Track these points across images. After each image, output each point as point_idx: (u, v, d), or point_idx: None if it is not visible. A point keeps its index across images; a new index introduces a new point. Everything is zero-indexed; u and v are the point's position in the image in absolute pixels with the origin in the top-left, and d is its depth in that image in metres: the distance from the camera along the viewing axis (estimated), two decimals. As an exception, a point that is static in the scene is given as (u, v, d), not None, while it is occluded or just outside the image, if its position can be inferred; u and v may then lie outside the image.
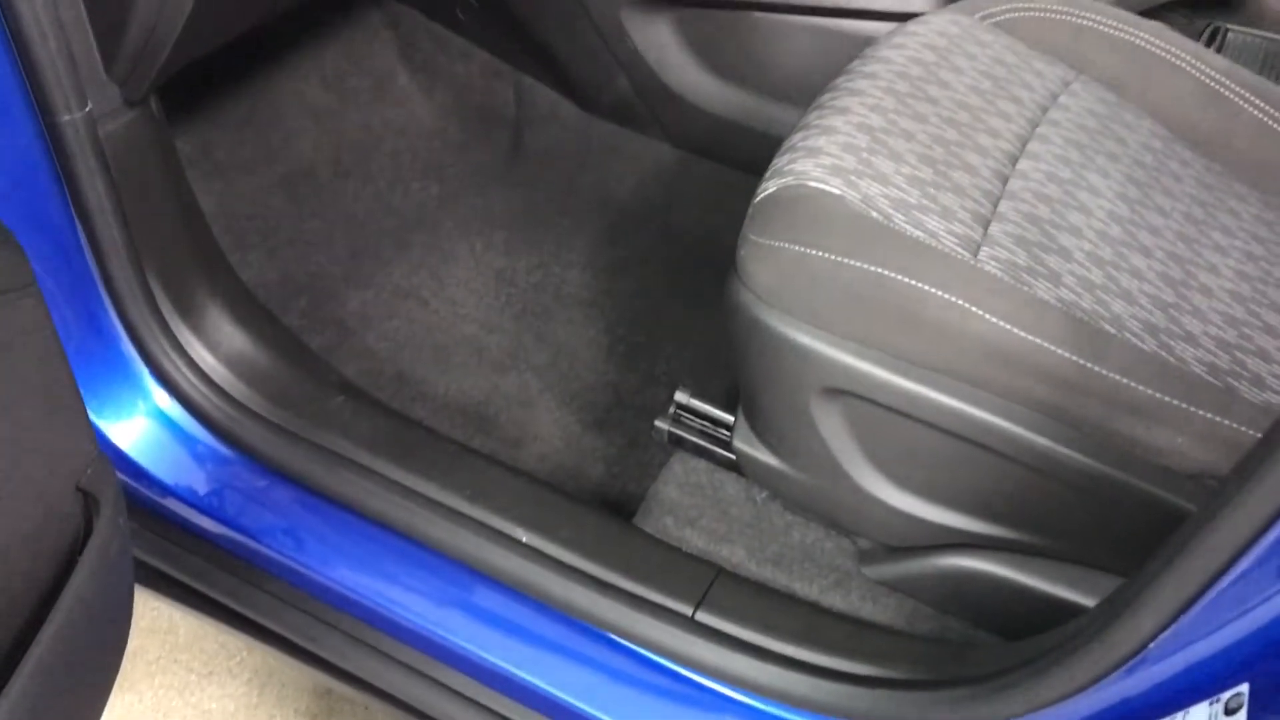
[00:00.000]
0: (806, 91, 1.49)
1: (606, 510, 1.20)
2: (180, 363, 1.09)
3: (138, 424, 1.13)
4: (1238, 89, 1.17)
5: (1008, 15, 1.22)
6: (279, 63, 1.63)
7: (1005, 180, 1.02)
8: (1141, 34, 1.21)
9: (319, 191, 1.58)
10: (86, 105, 0.94)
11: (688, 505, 1.18)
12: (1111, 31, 1.21)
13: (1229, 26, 1.35)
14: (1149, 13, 1.38)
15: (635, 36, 1.53)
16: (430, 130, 1.69)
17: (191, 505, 1.13)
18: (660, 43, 1.53)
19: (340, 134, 1.63)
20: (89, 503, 0.83)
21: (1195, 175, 1.11)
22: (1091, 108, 1.14)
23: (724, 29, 1.49)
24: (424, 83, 1.71)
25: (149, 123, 1.02)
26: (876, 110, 1.05)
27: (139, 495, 1.14)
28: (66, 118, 0.93)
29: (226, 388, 1.11)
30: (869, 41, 1.42)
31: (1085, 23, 1.22)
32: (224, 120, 1.57)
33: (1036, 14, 1.22)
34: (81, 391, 0.82)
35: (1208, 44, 1.34)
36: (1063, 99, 1.14)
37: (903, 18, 1.40)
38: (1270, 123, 1.15)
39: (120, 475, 1.00)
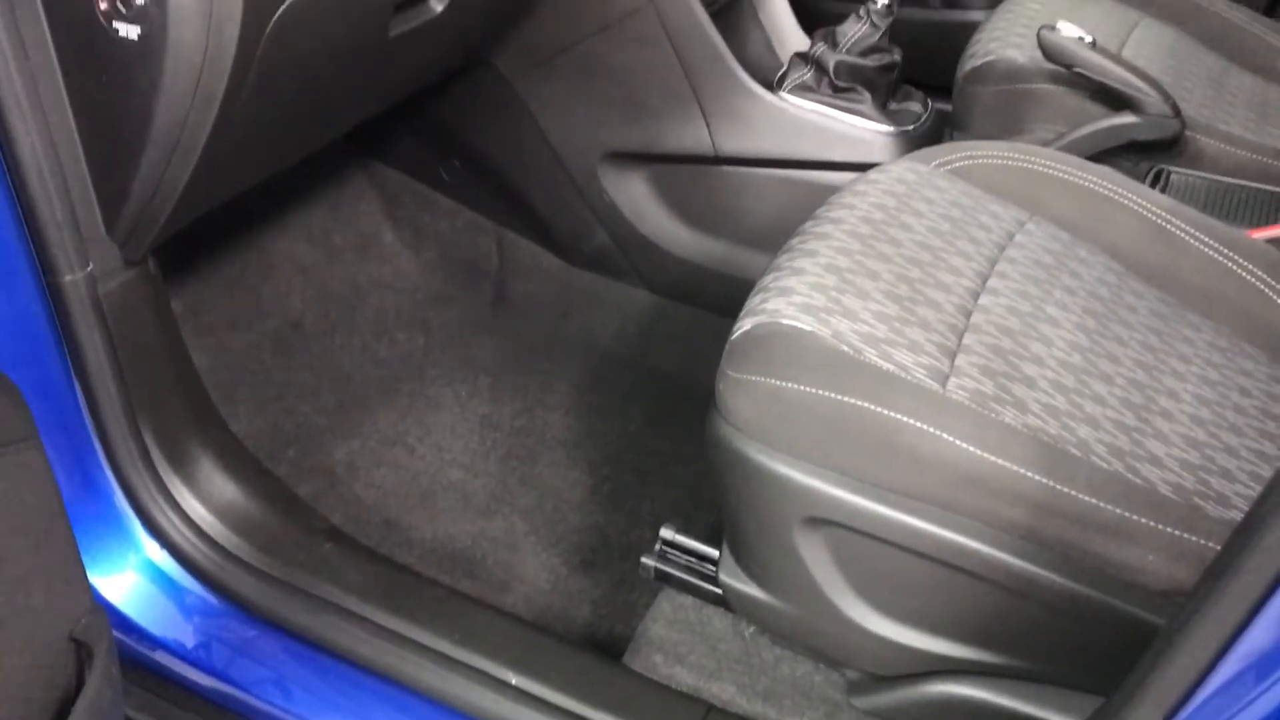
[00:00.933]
0: (776, 237, 1.56)
1: (595, 650, 1.20)
2: (172, 515, 1.11)
3: (128, 578, 1.14)
4: (1183, 225, 1.23)
5: (962, 163, 1.29)
6: (269, 222, 1.70)
7: (968, 314, 1.07)
8: (1091, 177, 1.28)
9: (307, 345, 1.63)
10: (88, 265, 0.99)
11: (676, 642, 1.19)
12: (1062, 175, 1.28)
13: (1171, 169, 1.43)
14: (1096, 157, 1.46)
15: (612, 191, 1.60)
16: (415, 284, 1.74)
17: (181, 658, 1.13)
18: (635, 196, 1.60)
19: (328, 289, 1.68)
20: (82, 654, 0.83)
21: (1149, 306, 1.16)
22: (1046, 245, 1.20)
23: (695, 182, 1.56)
24: (409, 239, 1.77)
25: (147, 282, 1.06)
26: (843, 252, 1.11)
27: (128, 648, 1.14)
28: (68, 278, 0.98)
29: (217, 538, 1.13)
30: (832, 190, 1.50)
31: (1036, 168, 1.29)
32: (216, 278, 1.62)
33: (989, 161, 1.29)
34: (75, 544, 0.83)
35: (1153, 185, 1.42)
36: (1019, 238, 1.20)
37: (863, 167, 1.48)
38: (1216, 256, 1.21)
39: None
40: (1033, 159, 1.30)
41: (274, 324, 1.63)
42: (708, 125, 1.50)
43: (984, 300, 1.09)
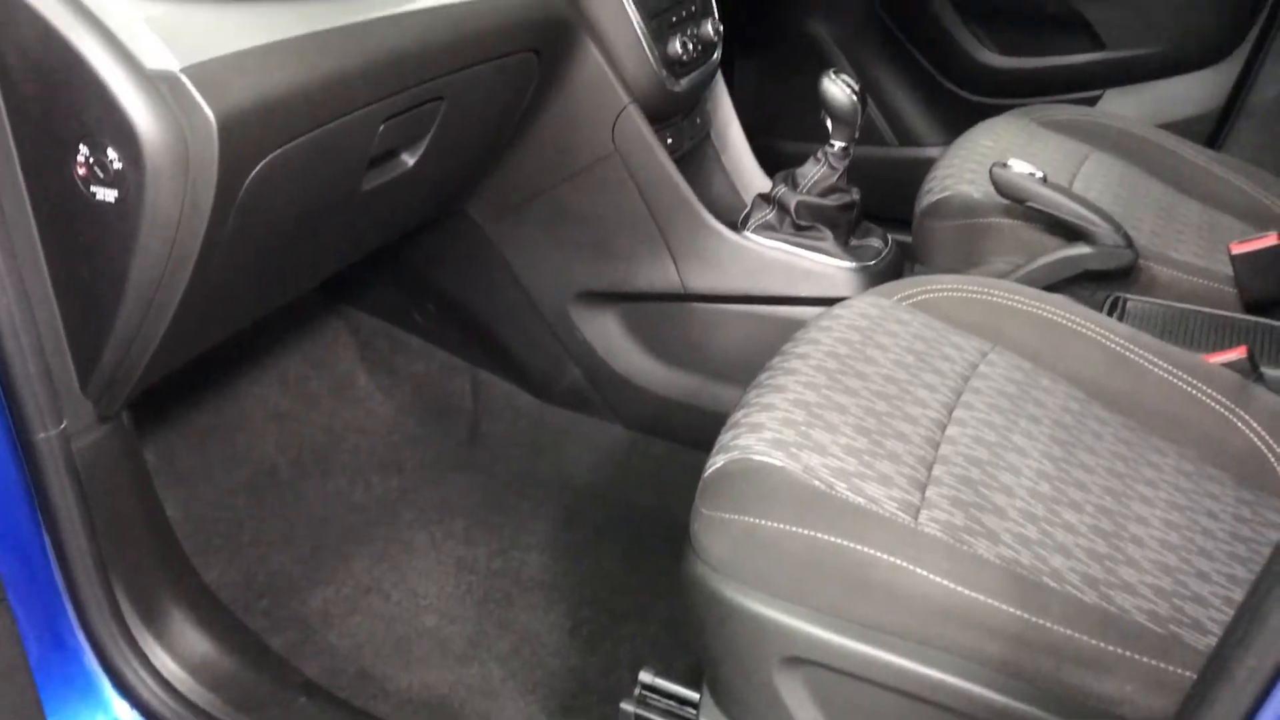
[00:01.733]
0: (746, 371, 1.58)
1: (576, 800, 1.18)
2: (143, 672, 1.09)
3: (95, 739, 1.11)
4: (1142, 352, 1.26)
5: (924, 296, 1.32)
6: (242, 370, 1.71)
7: (936, 446, 1.08)
8: (1049, 308, 1.31)
9: (281, 492, 1.62)
10: (61, 423, 0.99)
11: (659, 789, 1.17)
12: (1021, 306, 1.32)
13: (1127, 296, 1.47)
14: (1054, 287, 1.50)
15: (584, 329, 1.63)
16: (389, 426, 1.75)
17: (147, 824, 1.09)
18: (607, 333, 1.63)
19: (302, 435, 1.69)
20: (46, 822, 0.81)
21: (1113, 433, 1.18)
22: (1009, 375, 1.22)
23: (666, 319, 1.59)
24: (383, 382, 1.79)
25: (120, 436, 1.07)
26: (810, 387, 1.13)
27: (92, 815, 1.10)
28: (41, 436, 0.98)
29: (189, 695, 1.11)
30: (799, 324, 1.53)
31: (996, 299, 1.33)
32: (188, 428, 1.62)
33: (950, 294, 1.33)
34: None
35: (1109, 313, 1.46)
36: (982, 368, 1.23)
37: (828, 302, 1.51)
38: (1176, 382, 1.24)
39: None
40: (992, 291, 1.34)
41: (248, 472, 1.63)
42: (675, 264, 1.54)
43: (951, 431, 1.11)
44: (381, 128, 1.12)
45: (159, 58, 0.88)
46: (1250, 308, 1.49)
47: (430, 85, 1.16)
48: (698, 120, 1.68)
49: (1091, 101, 2.19)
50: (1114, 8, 2.10)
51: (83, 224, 0.93)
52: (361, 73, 1.05)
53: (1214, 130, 2.14)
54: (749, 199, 1.69)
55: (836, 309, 1.29)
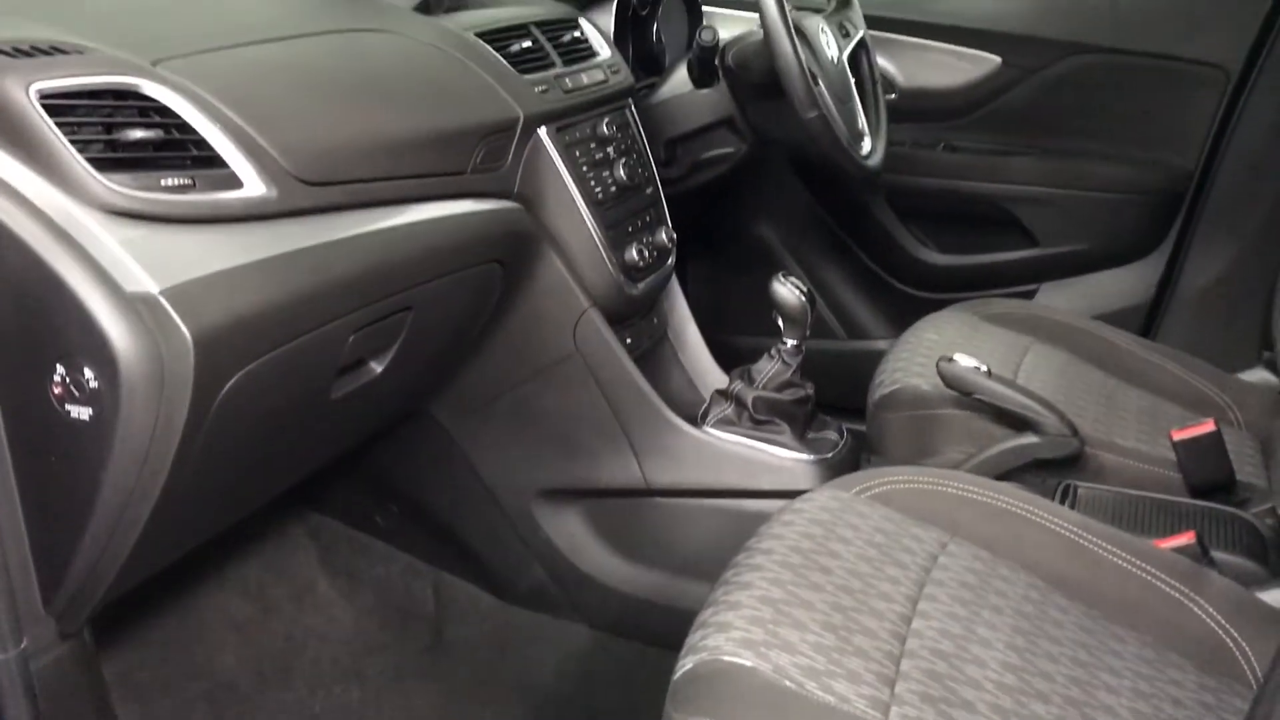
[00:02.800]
0: (710, 566, 1.59)
1: None
2: None
3: None
4: (1096, 540, 1.29)
5: (881, 489, 1.35)
6: (203, 579, 1.69)
7: (903, 640, 1.09)
8: (1003, 497, 1.35)
9: (240, 703, 1.58)
10: (21, 643, 0.98)
11: None
12: (976, 497, 1.35)
13: (1077, 483, 1.51)
14: (1005, 475, 1.54)
15: (547, 527, 1.63)
16: (351, 632, 1.72)
17: None
18: (571, 531, 1.64)
19: (262, 645, 1.66)
20: None
21: (1075, 621, 1.20)
22: (969, 566, 1.24)
23: (629, 514, 1.61)
24: (344, 588, 1.77)
25: (80, 653, 1.05)
26: (776, 583, 1.14)
27: None
28: (1, 657, 0.96)
29: None
30: (761, 517, 1.54)
31: (950, 490, 1.36)
32: (148, 639, 1.59)
33: (907, 486, 1.36)
34: None
35: (1061, 500, 1.49)
36: (942, 559, 1.25)
37: (788, 494, 1.54)
38: (1131, 569, 1.26)
39: None
40: (947, 482, 1.37)
41: (207, 684, 1.59)
42: (638, 460, 1.56)
43: (916, 624, 1.12)
44: (351, 339, 1.16)
45: (138, 280, 0.91)
46: (1194, 492, 1.54)
47: (399, 297, 1.20)
48: (655, 320, 1.74)
49: (1029, 295, 2.29)
50: (1044, 209, 2.23)
51: (55, 442, 0.95)
52: (332, 289, 1.09)
53: (1146, 320, 2.24)
54: (707, 394, 1.74)
55: (797, 503, 1.31)
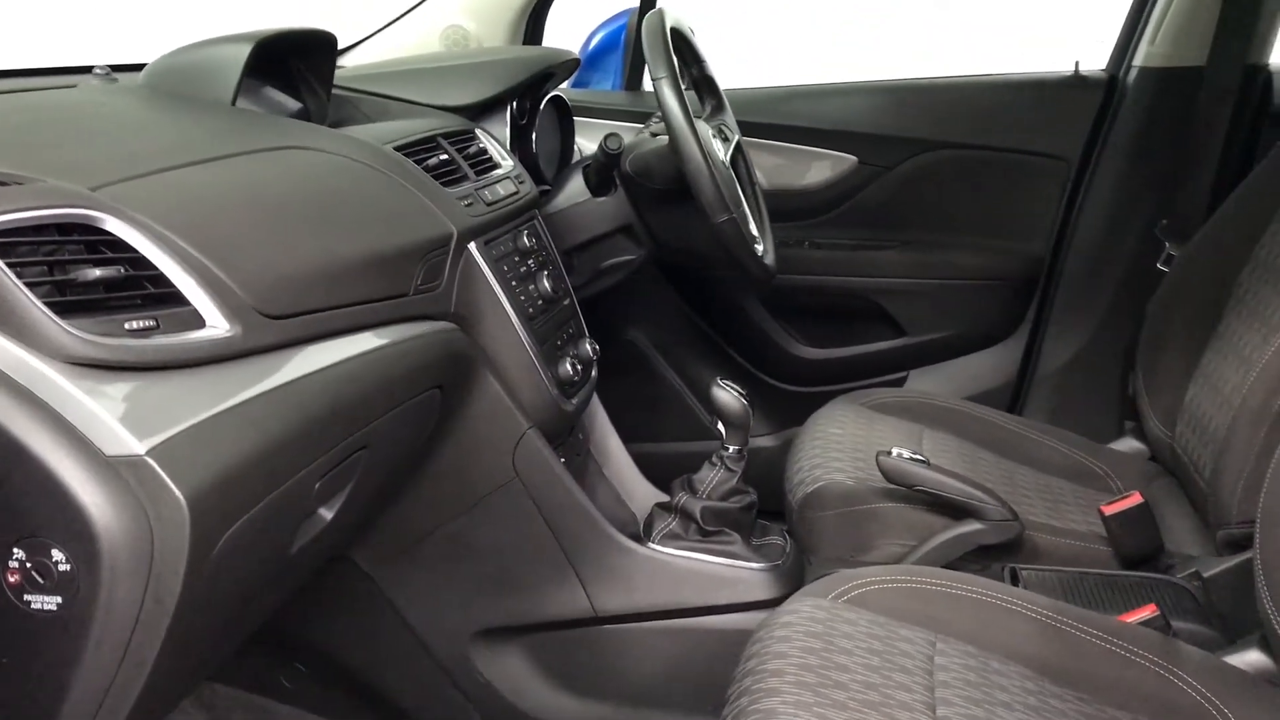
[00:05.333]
0: (668, 692, 1.52)
1: None
2: None
3: None
4: (1070, 621, 1.30)
5: (858, 591, 1.32)
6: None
7: (940, 753, 1.05)
8: (971, 588, 1.34)
9: None
10: None
11: None
12: (946, 590, 1.34)
13: (1019, 567, 1.53)
14: (949, 565, 1.54)
15: (486, 670, 1.51)
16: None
17: None
18: (513, 671, 1.52)
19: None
20: None
21: (1076, 710, 1.19)
22: (964, 664, 1.22)
23: (577, 647, 1.51)
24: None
25: None
26: (801, 707, 1.08)
27: None
28: None
29: None
30: (718, 634, 1.48)
31: (920, 586, 1.34)
32: None
33: (880, 586, 1.33)
34: None
35: (1012, 581, 1.51)
36: (938, 660, 1.22)
37: (746, 607, 1.48)
38: (1111, 647, 1.27)
39: None
40: (915, 579, 1.35)
41: None
42: (584, 587, 1.47)
43: (945, 734, 1.08)
44: (317, 486, 1.04)
45: (120, 441, 0.79)
46: (1125, 563, 1.58)
47: (359, 435, 1.10)
48: (580, 435, 1.67)
49: (899, 383, 2.35)
50: (909, 300, 2.31)
51: (11, 638, 0.79)
52: (305, 432, 0.98)
53: (1012, 399, 2.34)
54: (636, 508, 1.67)
55: (783, 616, 1.26)
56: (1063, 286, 2.26)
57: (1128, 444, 2.03)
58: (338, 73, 1.58)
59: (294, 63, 1.50)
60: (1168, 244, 2.11)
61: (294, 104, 1.54)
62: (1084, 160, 2.22)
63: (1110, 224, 2.21)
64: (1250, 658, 1.30)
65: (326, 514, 1.14)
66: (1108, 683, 1.25)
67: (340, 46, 1.72)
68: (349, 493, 1.15)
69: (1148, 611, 1.37)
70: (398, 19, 2.08)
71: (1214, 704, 1.22)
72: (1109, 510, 1.57)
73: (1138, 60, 2.19)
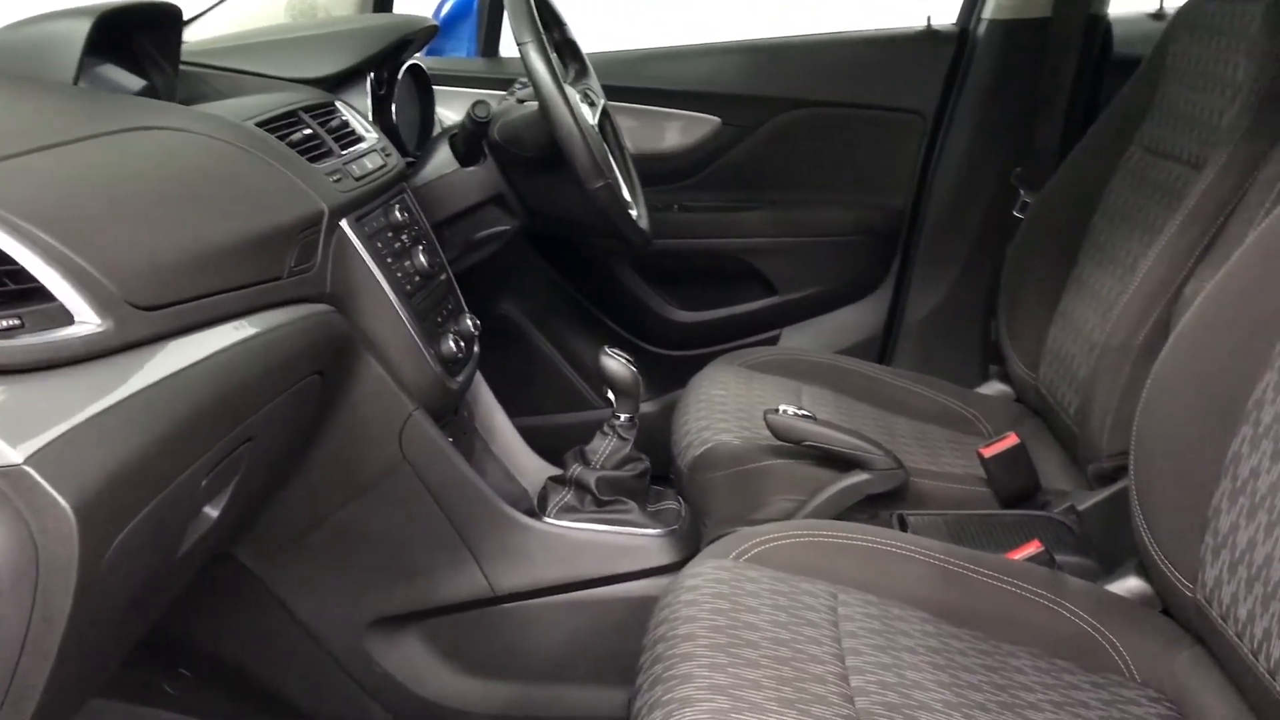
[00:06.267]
0: (575, 666, 1.50)
1: None
2: None
3: None
4: (961, 563, 1.34)
5: (757, 550, 1.33)
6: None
7: (853, 701, 1.07)
8: (864, 537, 1.36)
9: None
10: None
11: None
12: (840, 541, 1.36)
13: (906, 513, 1.56)
14: (840, 516, 1.57)
15: (383, 660, 1.47)
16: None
17: None
18: (411, 659, 1.48)
19: None
20: None
21: (974, 648, 1.23)
22: (866, 613, 1.24)
23: (476, 628, 1.48)
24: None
25: None
26: (715, 668, 1.08)
27: None
28: None
29: None
30: (622, 605, 1.47)
31: (816, 539, 1.36)
32: None
33: (779, 542, 1.34)
34: None
35: (900, 529, 1.54)
36: (841, 611, 1.24)
37: (646, 574, 1.48)
38: (1001, 585, 1.32)
39: None
40: (815, 532, 1.37)
41: None
42: (481, 567, 1.45)
43: (855, 682, 1.10)
44: (204, 483, 0.99)
45: (-10, 451, 0.73)
46: (1004, 503, 1.64)
47: (243, 427, 1.04)
48: (465, 414, 1.63)
49: (774, 341, 2.38)
50: (779, 258, 2.33)
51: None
52: (190, 427, 0.92)
53: (881, 350, 2.39)
54: (527, 484, 1.64)
55: (687, 580, 1.26)
56: (924, 238, 2.32)
57: (994, 387, 2.10)
58: (182, 48, 1.50)
59: (137, 38, 1.41)
60: (1022, 192, 2.18)
61: (139, 82, 1.45)
62: (939, 113, 2.27)
63: (967, 175, 2.27)
64: (1129, 584, 1.36)
65: (212, 512, 1.09)
66: (1001, 619, 1.29)
67: (182, 19, 1.63)
68: (235, 487, 1.10)
69: (1033, 548, 1.42)
70: (238, -10, 1.98)
71: (1100, 631, 1.27)
72: (987, 453, 1.62)
73: (986, 13, 2.25)
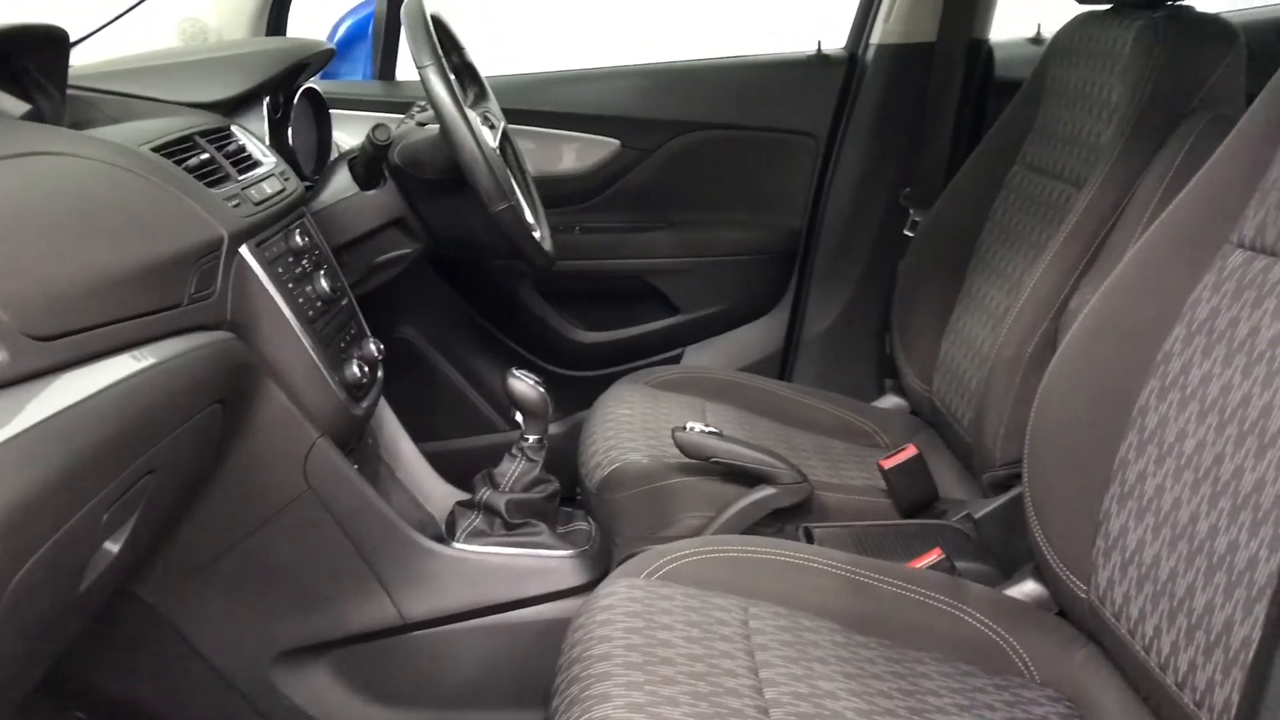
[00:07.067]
0: (487, 691, 1.49)
1: None
2: None
3: None
4: (867, 573, 1.37)
5: (669, 567, 1.34)
6: None
7: (767, 712, 1.09)
8: (771, 550, 1.39)
9: None
10: None
11: None
12: (749, 556, 1.38)
13: (810, 526, 1.59)
14: (747, 531, 1.59)
15: (291, 693, 1.44)
16: None
17: None
18: (320, 691, 1.45)
19: None
20: None
21: (881, 656, 1.26)
22: (777, 625, 1.26)
23: (387, 657, 1.46)
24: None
25: None
26: (632, 687, 1.09)
27: None
28: None
29: None
30: (534, 628, 1.47)
31: (725, 555, 1.37)
32: None
33: (686, 560, 1.36)
34: None
35: (806, 541, 1.57)
36: (752, 624, 1.26)
37: (559, 596, 1.48)
38: (904, 593, 1.35)
39: None
40: (723, 548, 1.38)
41: None
42: (390, 596, 1.43)
43: (769, 694, 1.12)
44: (105, 517, 0.96)
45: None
46: (904, 513, 1.68)
47: (144, 459, 1.02)
48: (370, 440, 1.61)
49: (677, 359, 2.41)
50: (680, 278, 2.36)
51: None
52: (89, 459, 0.90)
53: (781, 366, 2.43)
54: (434, 509, 1.63)
55: (600, 600, 1.26)
56: (820, 256, 2.37)
57: (890, 400, 2.16)
58: (70, 71, 1.46)
59: (20, 61, 1.37)
60: (912, 211, 2.25)
61: (23, 106, 1.40)
62: (831, 135, 2.33)
63: (859, 195, 2.33)
64: (1027, 588, 1.41)
65: (113, 547, 1.06)
66: (907, 626, 1.33)
67: (67, 42, 1.58)
68: (136, 521, 1.07)
69: (934, 555, 1.46)
70: (126, 12, 1.94)
71: (1000, 635, 1.32)
72: (887, 464, 1.66)
73: (874, 38, 2.31)
